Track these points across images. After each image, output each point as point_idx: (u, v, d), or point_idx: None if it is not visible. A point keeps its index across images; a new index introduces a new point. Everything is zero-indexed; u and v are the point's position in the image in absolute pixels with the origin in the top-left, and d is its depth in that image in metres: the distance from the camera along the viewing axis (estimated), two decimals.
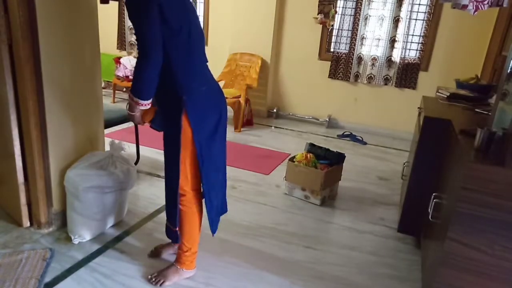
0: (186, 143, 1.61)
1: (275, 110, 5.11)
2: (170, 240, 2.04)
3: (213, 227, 1.83)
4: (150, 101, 1.56)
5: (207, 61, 1.69)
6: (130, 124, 3.04)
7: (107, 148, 2.21)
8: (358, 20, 4.47)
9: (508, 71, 1.70)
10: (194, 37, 1.57)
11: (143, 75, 1.49)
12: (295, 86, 5.02)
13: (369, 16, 4.45)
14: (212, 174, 1.74)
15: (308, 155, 2.83)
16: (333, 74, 4.77)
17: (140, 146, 3.10)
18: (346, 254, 2.19)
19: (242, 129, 4.46)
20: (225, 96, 1.78)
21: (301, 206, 2.72)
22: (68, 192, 2.04)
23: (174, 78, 1.54)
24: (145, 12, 1.39)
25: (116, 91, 5.31)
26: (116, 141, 2.12)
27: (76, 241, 2.05)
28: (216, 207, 1.82)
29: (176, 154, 1.63)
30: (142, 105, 1.55)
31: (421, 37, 4.35)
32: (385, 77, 4.55)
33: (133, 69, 5.01)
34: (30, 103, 1.91)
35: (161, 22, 1.42)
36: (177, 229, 1.76)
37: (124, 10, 5.46)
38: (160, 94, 1.59)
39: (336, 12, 4.54)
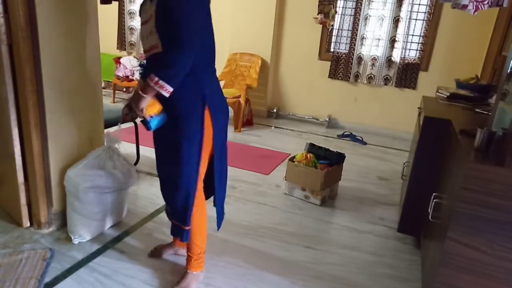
0: (208, 140, 1.61)
1: (275, 110, 5.11)
2: (170, 241, 2.04)
3: (220, 221, 1.86)
4: (172, 90, 1.50)
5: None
6: (130, 124, 3.04)
7: None
8: (358, 20, 4.47)
9: (508, 71, 1.70)
10: (212, 34, 1.63)
11: (180, 62, 1.45)
12: (295, 86, 5.02)
13: (369, 16, 4.45)
14: (225, 169, 1.78)
15: (308, 155, 2.83)
16: (333, 74, 4.77)
17: (140, 146, 3.10)
18: (346, 254, 2.19)
19: (242, 129, 4.46)
20: (225, 96, 1.79)
21: (301, 206, 2.72)
22: (68, 192, 2.04)
23: (196, 73, 1.54)
24: (191, 2, 1.43)
25: (116, 91, 5.31)
26: (111, 134, 2.12)
27: (76, 241, 2.05)
28: (221, 201, 1.85)
29: (190, 151, 1.58)
30: (165, 90, 1.47)
31: (421, 37, 4.35)
32: (385, 77, 4.55)
33: (133, 69, 5.02)
34: (30, 103, 1.91)
35: None
36: (189, 227, 1.72)
37: (124, 10, 5.46)
38: (181, 89, 1.53)
39: (336, 12, 4.54)
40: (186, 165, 1.61)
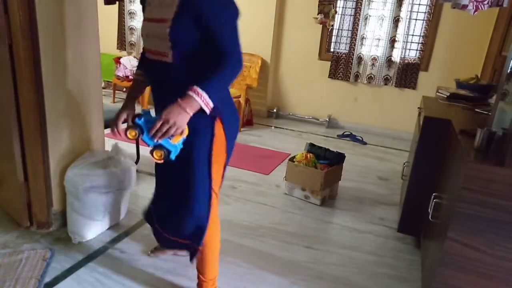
0: (222, 151, 1.51)
1: (275, 110, 5.11)
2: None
3: None
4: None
5: None
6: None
7: (107, 148, 2.21)
8: (358, 20, 4.47)
9: (508, 71, 1.70)
10: None
11: (232, 80, 1.40)
12: (295, 86, 5.02)
13: (369, 16, 4.45)
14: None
15: (308, 155, 2.83)
16: (333, 74, 4.77)
17: (140, 146, 3.11)
18: (346, 254, 2.19)
19: (242, 129, 4.46)
20: None
21: (301, 206, 2.72)
22: (68, 192, 2.04)
23: None
24: (236, 20, 1.46)
25: (116, 91, 5.31)
26: (118, 145, 2.14)
27: (76, 241, 2.05)
28: None
29: (201, 165, 1.47)
30: (209, 107, 1.34)
31: (421, 37, 4.35)
32: (385, 77, 4.55)
33: (133, 69, 5.02)
34: (30, 103, 1.91)
35: None
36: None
37: (124, 10, 5.46)
38: None
39: (336, 12, 4.54)
40: (198, 179, 1.50)
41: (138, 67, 1.65)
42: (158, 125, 1.29)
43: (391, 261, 2.16)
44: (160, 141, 1.32)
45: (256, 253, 2.13)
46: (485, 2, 2.18)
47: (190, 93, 1.31)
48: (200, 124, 1.42)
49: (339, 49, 4.69)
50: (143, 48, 1.57)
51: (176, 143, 1.34)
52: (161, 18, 1.36)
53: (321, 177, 2.66)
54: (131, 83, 1.64)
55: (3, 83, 1.90)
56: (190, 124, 1.36)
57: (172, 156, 1.35)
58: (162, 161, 1.35)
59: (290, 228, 2.42)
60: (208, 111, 1.35)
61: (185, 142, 1.40)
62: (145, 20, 1.46)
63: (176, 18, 1.33)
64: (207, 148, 1.47)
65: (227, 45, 1.39)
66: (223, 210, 2.55)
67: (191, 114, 1.32)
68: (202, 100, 1.31)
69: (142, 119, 1.38)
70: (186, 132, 1.35)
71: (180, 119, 1.30)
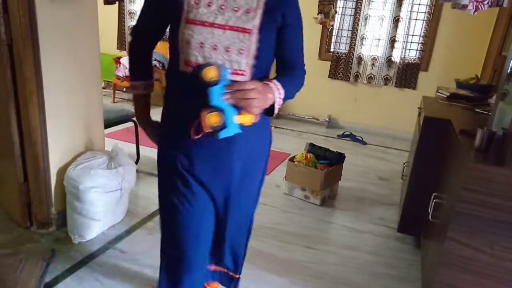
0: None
1: None
2: None
3: None
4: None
5: None
6: (130, 124, 3.04)
7: (107, 148, 2.21)
8: (358, 20, 4.47)
9: (508, 71, 1.70)
10: None
11: (294, 94, 1.24)
12: None
13: (369, 16, 4.45)
14: None
15: (308, 155, 2.83)
16: (333, 74, 4.77)
17: (140, 146, 3.11)
18: (346, 254, 2.19)
19: None
20: None
21: (301, 206, 2.72)
22: (68, 192, 2.04)
23: None
24: None
25: (116, 91, 5.31)
26: (119, 145, 2.14)
27: (76, 241, 2.05)
28: None
29: (257, 185, 1.41)
30: (278, 109, 1.16)
31: (421, 37, 4.35)
32: (385, 77, 4.55)
33: None
34: (30, 103, 1.91)
35: None
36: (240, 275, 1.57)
37: (124, 10, 5.46)
38: (267, 125, 1.31)
39: (336, 12, 4.54)
40: (248, 201, 1.44)
41: (138, 77, 1.32)
42: (248, 87, 1.02)
43: (391, 261, 2.16)
44: (227, 104, 1.04)
45: (256, 253, 2.13)
46: (485, 2, 2.18)
47: (271, 84, 1.09)
48: (264, 147, 1.35)
49: (339, 49, 4.69)
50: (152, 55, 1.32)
51: (237, 122, 1.08)
52: (239, 27, 1.08)
53: (321, 177, 2.66)
54: (134, 101, 1.36)
55: (3, 82, 1.91)
56: (253, 146, 1.26)
57: (223, 134, 1.06)
58: (211, 130, 1.05)
59: (290, 228, 2.42)
60: (275, 113, 1.15)
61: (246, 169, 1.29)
62: (196, 23, 1.08)
63: (263, 27, 1.10)
64: (263, 171, 1.40)
65: (299, 57, 1.26)
66: None
67: (268, 105, 1.10)
68: (279, 96, 1.11)
69: (225, 71, 1.05)
70: (254, 118, 1.10)
71: (266, 99, 1.06)
